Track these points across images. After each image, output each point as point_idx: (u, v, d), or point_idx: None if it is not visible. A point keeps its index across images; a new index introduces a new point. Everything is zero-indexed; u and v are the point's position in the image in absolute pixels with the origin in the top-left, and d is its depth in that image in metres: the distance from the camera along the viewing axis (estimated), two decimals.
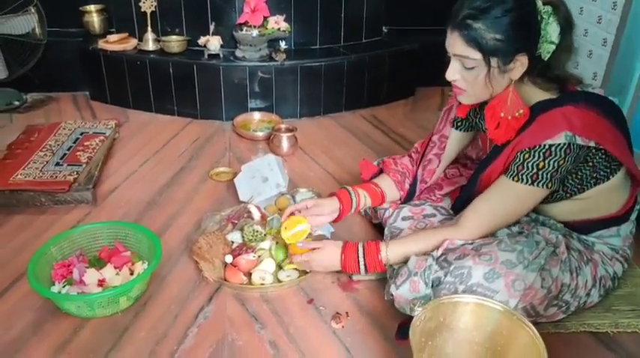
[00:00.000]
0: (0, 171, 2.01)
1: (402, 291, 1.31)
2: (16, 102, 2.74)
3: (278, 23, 2.59)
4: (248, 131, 2.52)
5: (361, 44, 2.89)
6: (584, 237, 1.42)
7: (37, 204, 1.90)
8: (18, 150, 2.19)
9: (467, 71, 1.28)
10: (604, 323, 1.42)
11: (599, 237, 1.42)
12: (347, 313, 1.45)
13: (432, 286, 1.29)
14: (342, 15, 2.77)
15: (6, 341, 1.35)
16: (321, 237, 1.66)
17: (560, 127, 1.21)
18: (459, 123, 1.56)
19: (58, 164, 2.09)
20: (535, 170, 1.25)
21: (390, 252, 1.40)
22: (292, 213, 1.57)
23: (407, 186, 1.65)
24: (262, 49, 2.62)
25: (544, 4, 1.22)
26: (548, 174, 1.25)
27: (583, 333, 1.39)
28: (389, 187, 1.66)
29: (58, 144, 2.24)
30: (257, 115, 2.63)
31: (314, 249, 1.48)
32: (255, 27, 2.57)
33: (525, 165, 1.26)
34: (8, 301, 1.48)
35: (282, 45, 2.62)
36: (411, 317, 1.14)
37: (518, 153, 1.26)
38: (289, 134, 2.34)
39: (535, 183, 1.27)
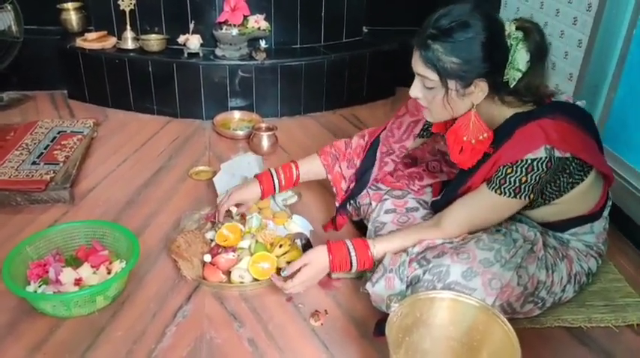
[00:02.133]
0: None
1: (378, 288, 1.32)
2: None
3: (258, 22, 2.59)
4: (228, 130, 2.51)
5: (341, 44, 2.90)
6: (559, 234, 1.45)
7: (12, 203, 1.88)
8: None
9: (427, 90, 1.28)
10: (578, 318, 1.44)
11: (574, 234, 1.44)
12: (325, 311, 1.46)
13: (411, 284, 1.30)
14: (323, 14, 2.78)
15: None
16: (299, 235, 1.66)
17: (538, 141, 1.21)
18: (424, 133, 1.58)
19: (34, 163, 2.06)
20: (517, 184, 1.26)
21: (378, 248, 1.39)
22: (228, 210, 1.68)
23: (337, 168, 1.68)
24: (242, 48, 2.62)
25: (517, 28, 1.21)
26: (530, 187, 1.26)
27: (558, 328, 1.42)
28: (317, 167, 1.70)
29: (35, 143, 2.22)
30: (237, 114, 2.63)
31: (300, 268, 1.40)
32: (235, 26, 2.56)
33: (508, 179, 1.26)
34: None
35: (263, 44, 2.62)
36: (388, 315, 1.15)
37: (501, 168, 1.26)
38: (269, 133, 2.34)
39: (517, 196, 1.28)
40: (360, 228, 1.79)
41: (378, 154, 1.63)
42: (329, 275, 1.58)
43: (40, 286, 1.44)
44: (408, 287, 1.30)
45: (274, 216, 1.78)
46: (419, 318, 1.18)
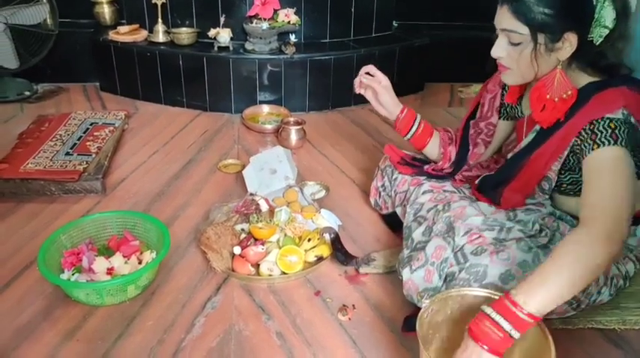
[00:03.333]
0: (11, 159, 2.03)
1: (416, 277, 1.31)
2: (27, 93, 2.76)
3: (288, 16, 2.59)
4: (257, 123, 2.52)
5: (371, 38, 2.89)
6: None
7: (47, 193, 1.92)
8: (29, 140, 2.21)
9: (513, 47, 1.25)
10: (612, 320, 1.41)
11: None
12: (353, 305, 1.46)
13: (446, 280, 1.29)
14: (353, 9, 2.77)
15: (17, 326, 1.36)
16: (328, 230, 1.66)
17: (617, 103, 1.17)
18: (503, 111, 1.54)
19: (68, 154, 2.10)
20: (610, 130, 1.16)
21: (529, 301, 1.02)
22: (367, 73, 1.63)
23: (451, 150, 1.62)
24: (272, 42, 2.62)
25: None
26: (625, 134, 1.15)
27: (590, 329, 1.39)
28: (434, 143, 1.66)
29: (68, 134, 2.26)
30: (266, 108, 2.63)
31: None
32: (265, 20, 2.57)
33: (596, 131, 1.17)
34: (19, 287, 1.49)
35: (292, 38, 2.62)
36: (417, 310, 1.14)
37: (582, 131, 1.20)
38: (298, 127, 2.34)
39: (617, 143, 1.15)
40: (391, 223, 1.78)
41: (470, 138, 1.61)
42: (357, 269, 1.58)
43: (73, 274, 1.47)
44: (443, 283, 1.29)
45: (302, 210, 1.78)
46: (449, 315, 1.17)
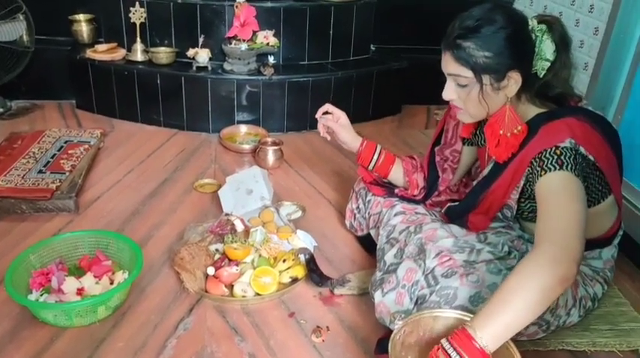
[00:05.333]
0: None
1: (388, 300, 1.32)
2: (0, 109, 2.71)
3: (267, 38, 2.61)
4: (234, 143, 2.52)
5: (349, 61, 2.92)
6: None
7: (17, 211, 1.88)
8: (0, 157, 2.17)
9: (461, 89, 1.30)
10: (582, 342, 1.43)
11: (582, 259, 1.43)
12: (327, 327, 1.45)
13: (417, 303, 1.29)
14: (331, 32, 2.80)
15: None
16: (303, 250, 1.66)
17: (564, 134, 1.21)
18: (466, 139, 1.57)
19: (40, 171, 2.07)
20: (555, 157, 1.19)
21: (484, 333, 1.02)
22: (326, 112, 1.65)
23: (416, 178, 1.64)
24: (251, 63, 2.64)
25: (539, 22, 1.25)
26: (571, 160, 1.18)
27: (561, 351, 1.40)
28: (397, 171, 1.68)
29: (42, 152, 2.23)
30: (244, 128, 2.64)
31: None
32: (244, 41, 2.58)
33: (543, 159, 1.20)
34: None
35: (271, 59, 2.64)
36: (390, 332, 1.14)
37: (532, 161, 1.24)
38: (275, 147, 2.35)
39: (563, 167, 1.17)
40: (366, 245, 1.78)
41: (438, 165, 1.63)
42: (332, 291, 1.58)
43: (42, 295, 1.44)
44: (414, 305, 1.29)
45: (278, 231, 1.78)
46: (422, 337, 1.17)
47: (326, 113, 1.67)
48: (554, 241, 1.08)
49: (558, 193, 1.17)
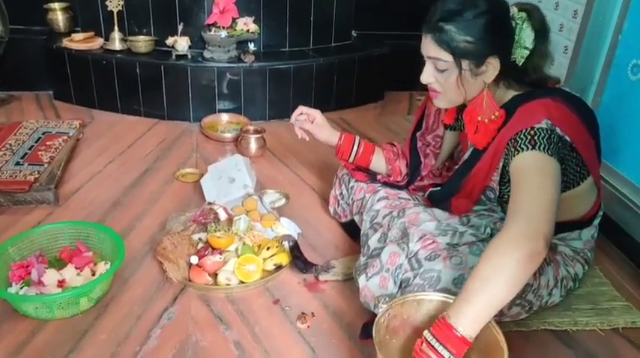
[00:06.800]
0: None
1: (371, 284, 1.32)
2: None
3: (247, 25, 2.58)
4: (216, 132, 2.50)
5: (331, 48, 2.90)
6: None
7: None
8: None
9: (440, 73, 1.30)
10: (564, 322, 1.45)
11: (562, 240, 1.45)
12: (312, 313, 1.45)
13: (401, 286, 1.30)
14: (312, 18, 2.78)
15: None
16: (287, 238, 1.65)
17: (540, 115, 1.21)
18: (447, 126, 1.57)
19: (18, 163, 2.03)
20: (529, 137, 1.19)
21: (462, 321, 1.03)
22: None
23: (399, 165, 1.65)
24: (231, 51, 2.61)
25: (519, 10, 1.25)
26: (544, 140, 1.18)
27: (544, 331, 1.42)
28: (378, 159, 1.68)
29: (19, 144, 2.19)
30: (225, 117, 2.62)
31: None
32: (223, 28, 2.55)
33: (517, 140, 1.21)
34: None
35: (251, 47, 2.62)
36: (374, 317, 1.14)
37: (508, 142, 1.24)
38: (257, 135, 2.33)
39: (535, 147, 1.18)
40: (350, 231, 1.78)
41: (420, 150, 1.64)
42: (316, 277, 1.58)
43: (22, 288, 1.41)
44: (398, 289, 1.30)
45: (262, 219, 1.77)
46: (406, 320, 1.18)
47: (301, 114, 1.68)
48: (522, 218, 1.08)
49: (530, 171, 1.17)
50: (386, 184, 1.64)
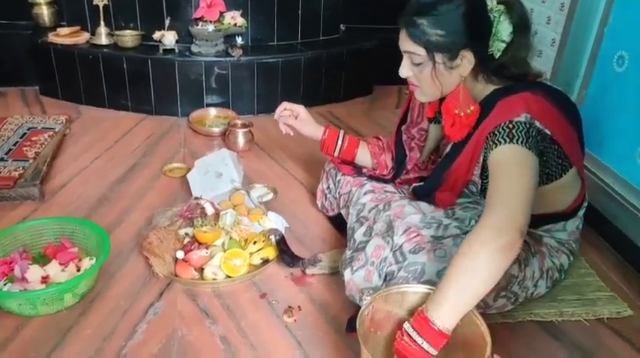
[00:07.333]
0: None
1: (357, 278, 1.32)
2: None
3: (234, 18, 2.57)
4: (204, 127, 2.49)
5: (319, 41, 2.89)
6: (531, 230, 1.45)
7: None
8: None
9: (415, 67, 1.30)
10: (549, 313, 1.46)
11: (547, 231, 1.45)
12: (299, 307, 1.45)
13: (385, 279, 1.30)
14: (300, 12, 2.77)
15: None
16: (273, 231, 1.65)
17: (519, 109, 1.21)
18: (431, 119, 1.57)
19: (2, 159, 2.01)
20: (507, 130, 1.19)
21: (439, 315, 1.04)
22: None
23: (385, 158, 1.65)
24: (218, 45, 2.59)
25: (498, 3, 1.24)
26: (522, 133, 1.18)
27: (529, 322, 1.43)
28: (363, 153, 1.68)
29: (3, 140, 2.16)
30: (213, 111, 2.60)
31: None
32: (211, 22, 2.54)
33: (496, 133, 1.21)
34: None
35: (239, 40, 2.60)
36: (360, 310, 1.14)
37: (487, 136, 1.24)
38: (245, 130, 2.32)
39: (513, 141, 1.18)
40: (337, 225, 1.78)
41: (405, 143, 1.64)
42: (303, 271, 1.58)
43: (5, 284, 1.40)
44: (383, 282, 1.30)
45: (249, 213, 1.77)
46: (391, 313, 1.18)
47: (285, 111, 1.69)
48: (498, 211, 1.09)
49: (507, 165, 1.18)
50: (372, 178, 1.64)
